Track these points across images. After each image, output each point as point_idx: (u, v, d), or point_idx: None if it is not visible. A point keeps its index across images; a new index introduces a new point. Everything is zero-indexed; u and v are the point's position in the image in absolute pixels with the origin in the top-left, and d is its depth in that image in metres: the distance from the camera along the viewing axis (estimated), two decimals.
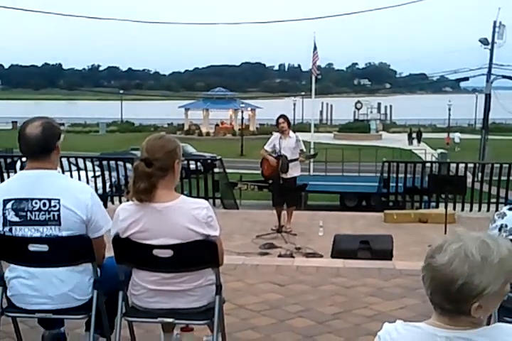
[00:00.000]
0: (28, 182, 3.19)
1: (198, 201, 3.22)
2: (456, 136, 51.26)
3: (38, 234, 3.15)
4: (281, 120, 9.91)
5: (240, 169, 26.49)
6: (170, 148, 3.17)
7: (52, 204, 3.12)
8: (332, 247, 7.45)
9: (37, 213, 3.13)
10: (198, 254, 3.13)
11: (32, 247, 3.14)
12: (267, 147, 10.00)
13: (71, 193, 3.17)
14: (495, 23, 34.41)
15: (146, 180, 3.05)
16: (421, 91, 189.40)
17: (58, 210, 3.13)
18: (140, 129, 65.80)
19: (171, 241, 3.08)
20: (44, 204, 3.13)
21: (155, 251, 3.09)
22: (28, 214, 3.14)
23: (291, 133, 9.97)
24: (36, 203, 3.13)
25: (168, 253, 3.08)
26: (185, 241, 3.07)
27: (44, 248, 3.15)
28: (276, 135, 10.07)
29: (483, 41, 35.33)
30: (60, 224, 3.14)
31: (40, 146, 3.18)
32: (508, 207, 3.43)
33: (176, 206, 3.10)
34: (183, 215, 3.08)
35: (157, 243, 3.08)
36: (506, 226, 3.30)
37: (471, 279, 1.60)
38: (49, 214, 3.13)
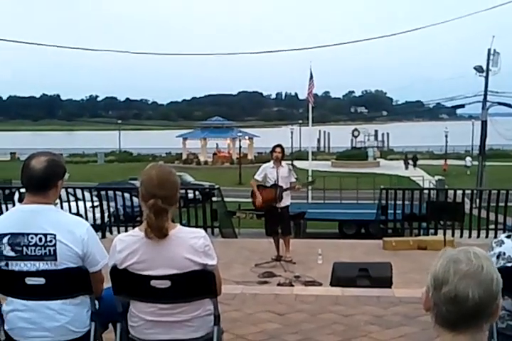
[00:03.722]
0: (24, 216, 3.17)
1: (194, 230, 3.22)
2: (468, 160, 51.46)
3: (34, 269, 3.13)
4: (278, 149, 9.93)
5: (239, 198, 26.44)
6: (178, 182, 3.20)
7: (48, 239, 3.11)
8: (331, 275, 7.43)
9: (33, 248, 3.11)
10: (196, 284, 3.12)
11: (29, 281, 3.13)
12: (258, 177, 10.00)
13: (67, 228, 3.16)
14: (489, 50, 34.74)
15: (166, 217, 3.06)
16: (417, 119, 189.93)
17: (54, 245, 3.11)
18: (138, 159, 66.00)
19: (168, 272, 3.07)
20: (40, 239, 3.11)
21: (152, 282, 3.07)
22: (24, 249, 3.12)
23: (283, 163, 10.02)
24: (32, 238, 3.11)
25: (165, 283, 3.07)
26: (183, 272, 3.07)
27: (41, 281, 3.12)
28: (267, 164, 10.09)
29: (478, 69, 35.57)
30: (56, 259, 3.13)
31: (40, 182, 3.17)
32: (505, 234, 3.44)
33: (173, 236, 3.09)
34: (181, 245, 3.08)
35: (154, 274, 3.07)
36: (504, 254, 3.31)
37: (496, 272, 1.71)
38: (45, 249, 3.11)
